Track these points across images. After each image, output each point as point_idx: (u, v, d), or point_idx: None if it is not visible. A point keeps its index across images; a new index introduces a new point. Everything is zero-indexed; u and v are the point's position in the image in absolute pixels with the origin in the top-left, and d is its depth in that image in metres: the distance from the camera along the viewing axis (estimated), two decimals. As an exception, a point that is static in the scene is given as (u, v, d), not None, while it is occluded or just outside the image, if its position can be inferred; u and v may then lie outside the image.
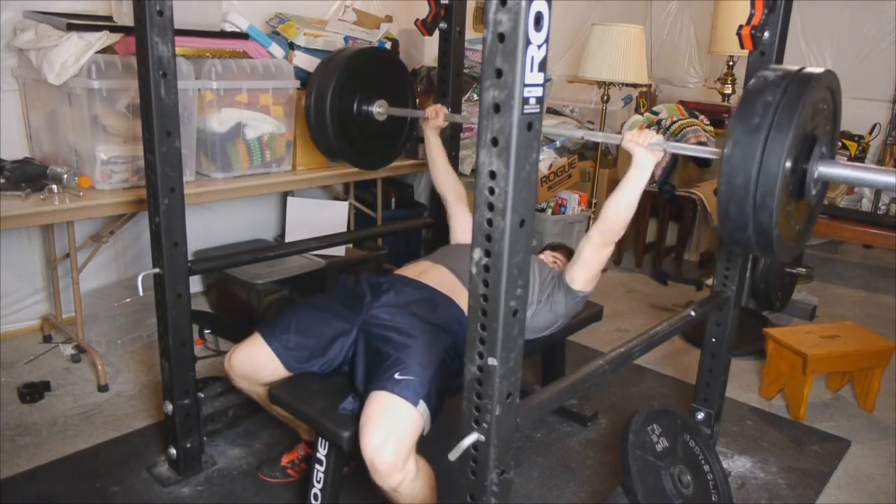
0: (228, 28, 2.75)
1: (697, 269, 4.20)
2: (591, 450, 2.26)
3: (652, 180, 3.96)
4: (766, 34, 1.63)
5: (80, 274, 2.53)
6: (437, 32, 2.44)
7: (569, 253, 2.31)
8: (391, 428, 1.49)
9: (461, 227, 2.26)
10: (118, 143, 2.31)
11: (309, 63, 2.91)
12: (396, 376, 1.55)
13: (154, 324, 1.94)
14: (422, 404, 1.54)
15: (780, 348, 2.56)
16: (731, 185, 1.22)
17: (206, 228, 3.18)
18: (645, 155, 1.68)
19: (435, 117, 2.30)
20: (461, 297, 1.85)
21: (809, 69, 1.27)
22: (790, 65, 1.32)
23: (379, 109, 2.40)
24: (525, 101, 0.91)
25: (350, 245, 3.32)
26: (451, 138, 2.57)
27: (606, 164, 4.01)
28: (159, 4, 1.62)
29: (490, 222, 0.97)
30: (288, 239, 3.23)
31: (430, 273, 1.94)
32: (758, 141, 1.19)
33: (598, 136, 1.88)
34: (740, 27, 1.61)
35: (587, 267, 1.89)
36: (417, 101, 2.65)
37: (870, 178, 1.24)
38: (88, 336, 2.63)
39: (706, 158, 3.82)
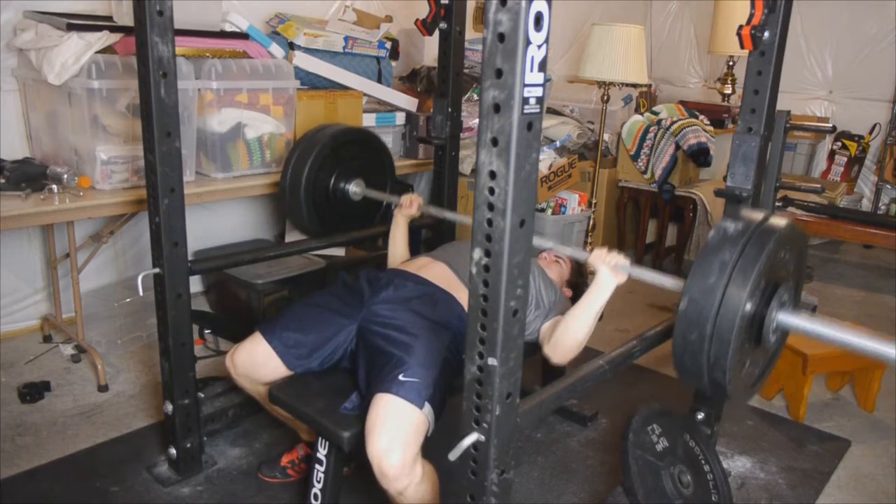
0: (228, 28, 2.75)
1: (697, 269, 4.19)
2: (591, 450, 2.26)
3: (652, 180, 3.97)
4: (766, 34, 1.63)
5: (80, 274, 2.53)
6: (437, 32, 2.44)
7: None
8: (398, 431, 1.48)
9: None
10: (118, 143, 2.31)
11: (309, 63, 2.91)
12: (401, 378, 1.55)
13: (154, 324, 1.93)
14: (427, 406, 1.54)
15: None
16: (685, 340, 1.22)
17: (206, 228, 3.17)
18: (608, 274, 1.63)
19: (409, 206, 2.24)
20: (461, 293, 1.84)
21: (772, 221, 1.24)
22: (756, 211, 1.29)
23: (355, 189, 2.41)
24: (525, 101, 0.91)
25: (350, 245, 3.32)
26: (452, 138, 2.57)
27: (606, 164, 4.01)
28: (159, 4, 1.62)
29: (490, 222, 0.97)
30: (288, 239, 3.23)
31: (430, 268, 1.94)
32: (713, 301, 1.17)
33: (566, 251, 1.86)
34: (740, 27, 1.61)
35: (545, 354, 1.82)
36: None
37: (828, 334, 1.22)
38: (88, 336, 2.63)
39: (706, 158, 3.86)
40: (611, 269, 1.63)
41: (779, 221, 1.26)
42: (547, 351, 1.79)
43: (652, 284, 1.54)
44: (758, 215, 1.27)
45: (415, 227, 2.38)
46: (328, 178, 2.38)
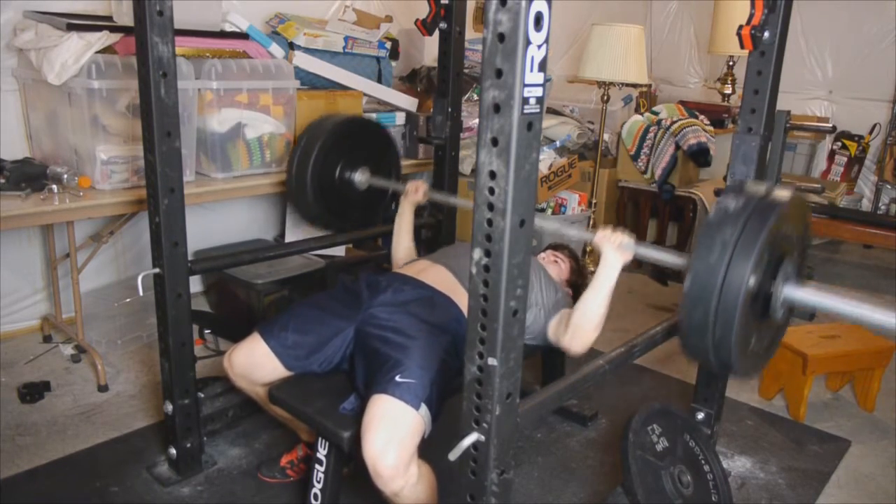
0: (228, 28, 2.75)
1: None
2: (591, 450, 2.26)
3: (652, 180, 3.97)
4: (766, 34, 1.63)
5: (80, 274, 2.53)
6: (437, 32, 2.44)
7: (571, 254, 2.30)
8: (393, 432, 1.48)
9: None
10: (118, 143, 2.31)
11: (309, 63, 2.91)
12: (397, 379, 1.54)
13: (154, 324, 1.93)
14: (423, 407, 1.53)
15: (780, 348, 2.56)
16: (691, 319, 1.21)
17: (206, 228, 3.17)
18: (613, 253, 1.63)
19: (415, 193, 2.25)
20: (460, 297, 1.84)
21: (774, 196, 1.24)
22: (758, 185, 1.29)
23: (361, 178, 2.40)
24: (525, 101, 0.91)
25: (350, 245, 3.32)
26: (452, 138, 2.57)
27: (606, 164, 4.01)
28: (159, 4, 1.62)
29: (490, 222, 0.97)
30: (288, 239, 3.23)
31: (429, 272, 1.94)
32: (715, 280, 1.17)
33: (571, 232, 1.85)
34: (740, 27, 1.61)
35: (564, 347, 1.83)
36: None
37: (834, 305, 1.22)
38: (88, 336, 2.63)
39: (706, 158, 3.86)
40: (616, 248, 1.63)
41: (780, 195, 1.25)
42: (566, 342, 1.78)
43: (657, 260, 1.56)
44: (759, 189, 1.27)
45: (415, 229, 2.38)
46: (334, 166, 2.36)
